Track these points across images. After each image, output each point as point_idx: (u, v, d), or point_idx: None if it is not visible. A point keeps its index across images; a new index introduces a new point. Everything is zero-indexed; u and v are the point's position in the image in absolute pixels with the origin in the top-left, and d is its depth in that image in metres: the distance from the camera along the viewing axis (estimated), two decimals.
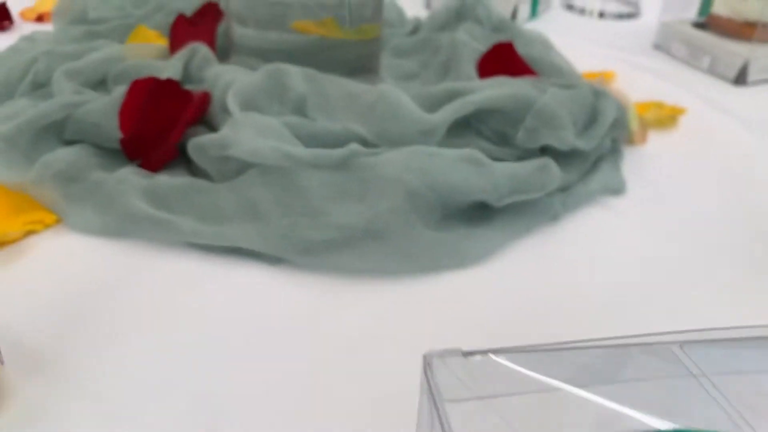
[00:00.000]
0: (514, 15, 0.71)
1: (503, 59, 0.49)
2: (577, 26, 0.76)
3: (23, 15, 0.65)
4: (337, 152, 0.35)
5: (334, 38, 0.46)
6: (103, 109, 0.39)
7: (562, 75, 0.52)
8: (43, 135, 0.39)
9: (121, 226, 0.34)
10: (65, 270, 0.32)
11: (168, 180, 0.35)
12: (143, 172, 0.37)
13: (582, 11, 0.80)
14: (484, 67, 0.49)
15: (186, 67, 0.43)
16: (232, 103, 0.38)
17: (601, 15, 0.79)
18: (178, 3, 0.54)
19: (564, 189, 0.39)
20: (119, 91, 0.40)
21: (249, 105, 0.39)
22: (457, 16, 0.59)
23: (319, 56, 0.46)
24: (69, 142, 0.40)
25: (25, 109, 0.41)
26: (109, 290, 0.31)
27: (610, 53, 0.66)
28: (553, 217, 0.38)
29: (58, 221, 0.35)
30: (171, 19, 0.51)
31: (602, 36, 0.72)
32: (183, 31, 0.47)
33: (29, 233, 0.34)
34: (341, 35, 0.46)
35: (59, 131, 0.40)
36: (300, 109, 0.41)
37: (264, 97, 0.39)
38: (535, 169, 0.38)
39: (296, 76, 0.41)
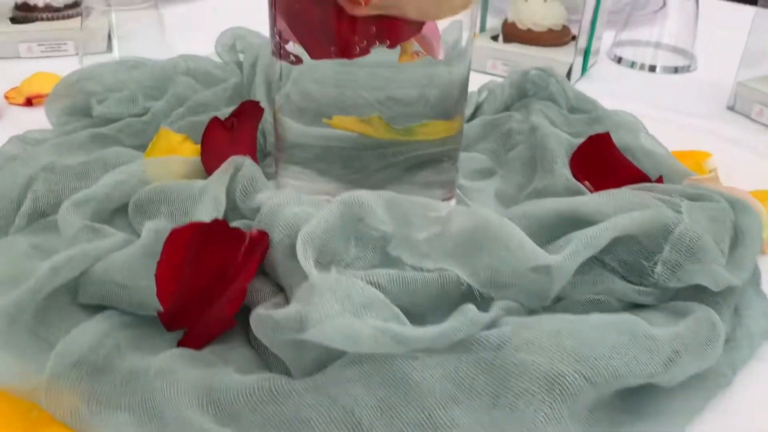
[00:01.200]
0: (568, 74, 0.63)
1: (601, 155, 0.41)
2: (632, 83, 0.68)
3: (9, 98, 0.56)
4: (452, 327, 0.26)
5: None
6: (130, 263, 0.30)
7: (662, 166, 0.43)
8: (52, 302, 0.30)
9: None
10: None
11: (230, 378, 0.26)
12: (192, 354, 0.28)
13: (632, 64, 0.72)
14: (579, 164, 0.41)
15: (228, 192, 0.35)
16: (304, 256, 0.29)
17: (653, 68, 0.72)
18: (202, 94, 0.45)
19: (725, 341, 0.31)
20: (147, 234, 0.31)
21: (323, 252, 0.30)
22: (518, 93, 0.51)
23: (384, 153, 0.37)
24: (86, 306, 0.31)
25: (24, 262, 0.32)
26: None
27: (683, 120, 0.58)
28: (726, 384, 0.30)
29: None
30: (195, 116, 0.42)
31: (663, 95, 0.65)
32: (219, 139, 0.38)
33: None
34: (390, 136, 0.37)
35: (73, 293, 0.31)
36: (381, 246, 0.32)
37: (340, 239, 0.31)
38: (698, 325, 0.29)
39: (376, 206, 0.32)
